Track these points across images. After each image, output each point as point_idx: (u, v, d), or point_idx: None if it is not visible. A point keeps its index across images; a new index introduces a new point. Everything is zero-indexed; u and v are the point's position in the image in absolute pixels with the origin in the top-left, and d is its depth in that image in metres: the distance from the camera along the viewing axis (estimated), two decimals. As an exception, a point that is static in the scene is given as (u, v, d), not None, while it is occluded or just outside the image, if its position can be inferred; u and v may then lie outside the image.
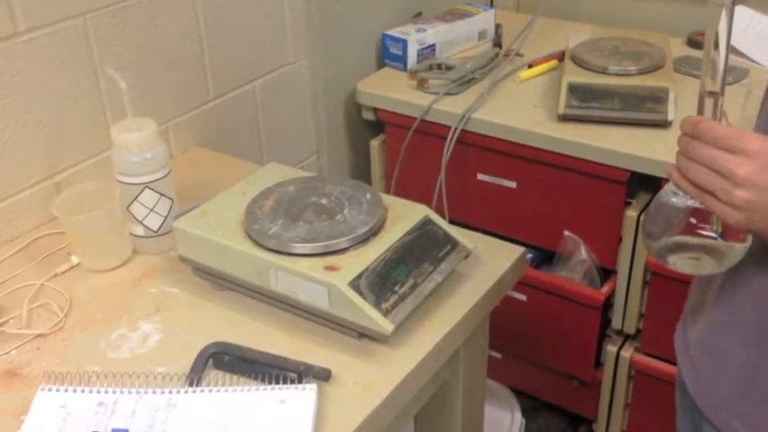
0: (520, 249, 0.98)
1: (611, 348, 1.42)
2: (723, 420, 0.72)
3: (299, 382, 0.76)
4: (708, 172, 0.62)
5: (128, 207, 0.95)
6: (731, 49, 1.50)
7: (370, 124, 1.56)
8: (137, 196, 0.95)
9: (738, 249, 0.67)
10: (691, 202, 0.66)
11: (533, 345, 1.52)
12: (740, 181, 0.59)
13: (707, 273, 0.70)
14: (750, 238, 0.66)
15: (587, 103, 1.30)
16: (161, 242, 0.98)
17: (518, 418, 1.50)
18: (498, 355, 1.58)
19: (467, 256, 0.91)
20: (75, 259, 0.96)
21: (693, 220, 0.67)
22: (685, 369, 0.78)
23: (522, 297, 1.45)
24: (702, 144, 0.62)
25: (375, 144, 1.56)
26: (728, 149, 0.60)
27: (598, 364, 1.47)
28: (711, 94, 0.65)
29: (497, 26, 1.66)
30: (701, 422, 0.75)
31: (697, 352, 0.76)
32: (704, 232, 0.67)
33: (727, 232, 0.66)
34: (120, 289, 0.93)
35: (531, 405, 1.63)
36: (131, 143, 0.93)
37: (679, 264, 0.69)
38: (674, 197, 0.68)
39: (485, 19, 1.64)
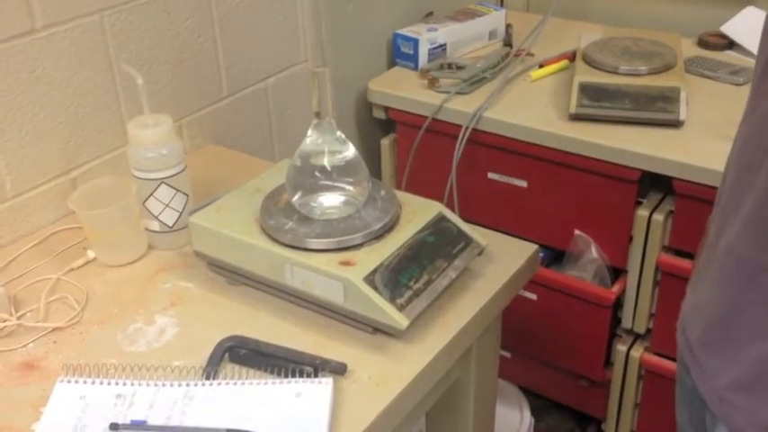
0: (533, 247, 0.98)
1: (620, 348, 1.42)
2: (727, 414, 0.73)
3: (315, 375, 0.77)
4: None
5: (143, 202, 0.96)
6: (746, 51, 1.48)
7: (380, 123, 1.57)
8: (152, 192, 0.95)
9: None
10: None
11: (543, 344, 1.52)
12: None
13: None
14: None
15: (598, 103, 1.30)
16: (176, 238, 0.99)
17: (527, 417, 1.50)
18: (508, 355, 1.58)
19: (480, 253, 0.91)
20: (91, 254, 0.97)
21: None
22: (694, 370, 0.78)
23: (533, 296, 1.46)
24: None
25: (386, 143, 1.57)
26: None
27: (608, 363, 1.47)
28: (317, 114, 0.84)
29: (508, 26, 1.66)
30: (705, 414, 0.76)
31: (701, 351, 0.77)
32: None
33: None
34: (135, 283, 0.93)
35: (541, 404, 1.63)
36: (148, 139, 0.94)
37: None
38: None
39: (495, 19, 1.64)
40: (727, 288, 0.72)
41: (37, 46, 0.98)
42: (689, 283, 0.84)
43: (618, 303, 1.40)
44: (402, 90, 1.48)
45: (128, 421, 0.71)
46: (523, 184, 1.41)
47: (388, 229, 0.87)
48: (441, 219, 0.90)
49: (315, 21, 1.39)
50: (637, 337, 1.43)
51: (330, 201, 0.88)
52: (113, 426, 0.70)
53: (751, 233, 0.68)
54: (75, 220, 1.00)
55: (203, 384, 0.76)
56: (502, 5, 1.80)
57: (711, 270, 0.76)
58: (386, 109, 1.51)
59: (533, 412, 1.49)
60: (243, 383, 0.76)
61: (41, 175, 1.03)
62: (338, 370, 0.78)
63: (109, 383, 0.75)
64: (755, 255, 0.67)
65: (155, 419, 0.71)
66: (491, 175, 1.44)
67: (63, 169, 1.06)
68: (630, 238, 1.33)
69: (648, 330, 1.39)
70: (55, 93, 1.02)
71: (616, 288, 1.38)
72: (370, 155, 1.59)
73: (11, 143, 0.99)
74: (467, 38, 1.60)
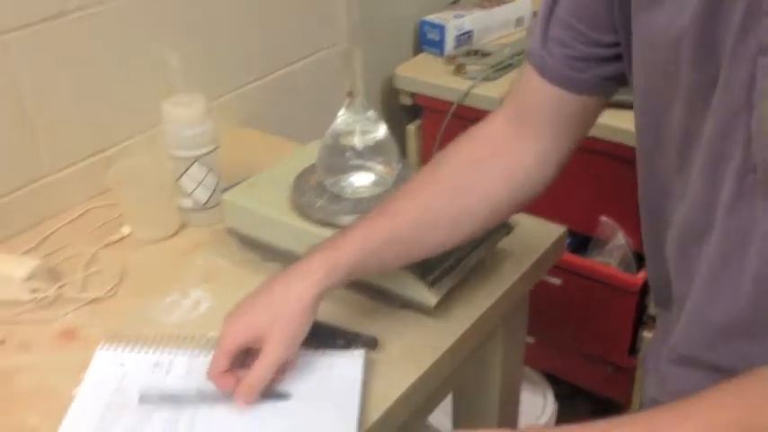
0: (561, 228, 0.99)
1: (647, 335, 1.42)
2: None
3: (347, 349, 0.78)
4: None
5: (177, 180, 0.98)
6: None
7: (407, 109, 1.58)
8: (186, 170, 0.97)
9: None
10: None
11: (567, 330, 1.52)
12: None
13: None
14: None
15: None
16: (208, 215, 1.01)
17: (551, 402, 1.51)
18: (532, 340, 1.58)
19: (509, 233, 0.92)
20: (125, 230, 0.99)
21: None
22: None
23: (558, 281, 1.46)
24: None
25: (412, 129, 1.58)
26: None
27: (633, 350, 1.47)
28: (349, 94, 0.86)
29: (534, 13, 1.66)
30: None
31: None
32: None
33: None
34: (169, 259, 0.95)
35: (564, 390, 1.63)
36: (182, 117, 0.95)
37: None
38: None
39: (522, 6, 1.64)
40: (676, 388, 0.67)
41: (70, 27, 0.99)
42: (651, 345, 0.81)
43: (644, 289, 1.39)
44: (429, 76, 1.49)
45: (165, 388, 0.73)
46: (550, 169, 1.41)
47: (419, 207, 0.88)
48: (470, 198, 0.91)
49: (348, 3, 1.40)
50: (662, 323, 1.43)
51: (360, 180, 0.89)
52: (143, 398, 0.72)
53: (691, 331, 0.64)
54: (111, 197, 1.02)
55: (237, 354, 0.77)
56: (529, -7, 1.80)
57: (660, 364, 0.72)
58: (412, 95, 1.52)
59: (557, 398, 1.50)
60: (276, 355, 0.77)
61: (77, 154, 1.05)
62: (369, 344, 0.79)
63: (146, 352, 0.77)
64: (697, 353, 0.64)
65: (190, 385, 0.73)
66: (517, 161, 1.44)
67: (98, 147, 1.08)
68: (657, 224, 1.33)
69: (674, 317, 1.39)
70: (89, 72, 1.04)
71: (642, 274, 1.37)
72: (397, 140, 1.59)
73: (48, 122, 1.01)
74: (493, 25, 1.60)
